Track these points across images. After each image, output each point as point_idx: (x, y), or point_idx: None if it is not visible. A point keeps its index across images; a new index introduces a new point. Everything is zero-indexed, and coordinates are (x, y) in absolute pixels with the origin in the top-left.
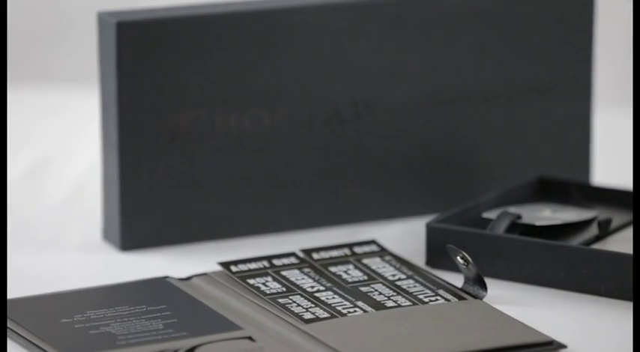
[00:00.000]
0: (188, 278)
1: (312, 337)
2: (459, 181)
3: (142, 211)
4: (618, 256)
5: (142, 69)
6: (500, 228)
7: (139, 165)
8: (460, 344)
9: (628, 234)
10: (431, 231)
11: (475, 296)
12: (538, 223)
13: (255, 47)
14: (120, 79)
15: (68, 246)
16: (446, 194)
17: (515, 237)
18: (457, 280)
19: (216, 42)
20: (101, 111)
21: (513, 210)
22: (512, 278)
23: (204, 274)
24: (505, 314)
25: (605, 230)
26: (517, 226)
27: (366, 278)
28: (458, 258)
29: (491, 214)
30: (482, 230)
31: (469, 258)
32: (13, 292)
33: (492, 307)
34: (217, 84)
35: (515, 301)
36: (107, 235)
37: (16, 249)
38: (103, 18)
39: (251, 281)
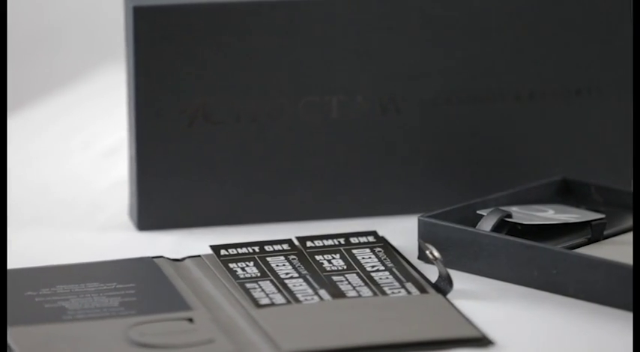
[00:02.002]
0: (181, 260)
1: (255, 322)
2: (488, 180)
3: (159, 193)
4: (584, 259)
5: (161, 53)
6: (488, 225)
7: (157, 149)
8: (389, 335)
9: (626, 237)
10: (421, 224)
11: (441, 291)
12: (525, 222)
13: (277, 36)
14: (137, 62)
15: (95, 222)
16: (474, 193)
17: (494, 234)
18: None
19: (237, 29)
20: (127, 94)
21: (515, 208)
22: (491, 275)
23: (198, 256)
24: (453, 309)
25: (598, 233)
26: (506, 224)
27: (345, 267)
28: (427, 252)
29: (484, 211)
30: (466, 226)
31: (436, 254)
32: (17, 264)
33: (446, 301)
34: (238, 71)
35: (483, 297)
36: (131, 215)
37: (50, 222)
38: (127, 3)
39: (232, 265)
